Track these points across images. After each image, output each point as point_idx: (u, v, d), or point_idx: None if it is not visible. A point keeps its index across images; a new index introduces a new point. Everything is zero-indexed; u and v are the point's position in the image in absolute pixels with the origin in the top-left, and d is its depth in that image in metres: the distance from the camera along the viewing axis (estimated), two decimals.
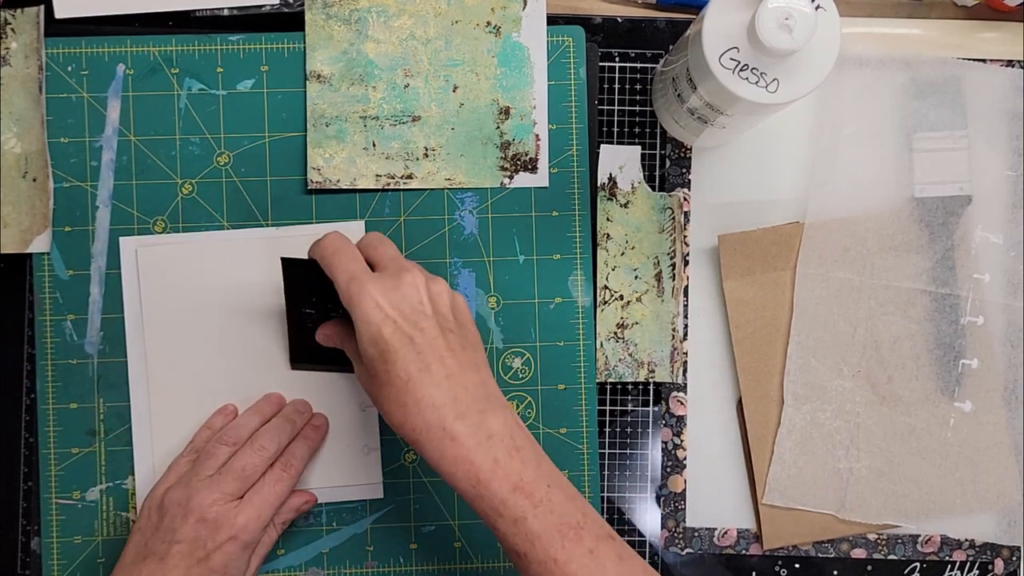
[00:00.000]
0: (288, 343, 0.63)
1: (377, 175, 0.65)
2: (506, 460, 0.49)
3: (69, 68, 0.64)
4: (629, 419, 0.66)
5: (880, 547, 0.66)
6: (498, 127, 0.65)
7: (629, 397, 0.66)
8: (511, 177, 0.65)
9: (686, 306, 0.67)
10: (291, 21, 0.65)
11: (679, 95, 0.60)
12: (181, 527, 0.55)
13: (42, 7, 0.64)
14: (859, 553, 0.66)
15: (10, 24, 0.63)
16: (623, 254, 0.66)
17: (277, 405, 0.63)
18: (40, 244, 0.63)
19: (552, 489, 0.50)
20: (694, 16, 0.67)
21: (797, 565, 0.66)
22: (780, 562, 0.66)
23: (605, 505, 0.66)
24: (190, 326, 0.63)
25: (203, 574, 0.55)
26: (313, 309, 0.60)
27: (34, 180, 0.63)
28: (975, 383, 0.66)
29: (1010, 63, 0.68)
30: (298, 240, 0.64)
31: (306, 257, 0.57)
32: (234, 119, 0.65)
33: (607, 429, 0.66)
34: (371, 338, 0.50)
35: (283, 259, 0.58)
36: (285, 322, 0.63)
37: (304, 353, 0.63)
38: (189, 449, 0.62)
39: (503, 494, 0.49)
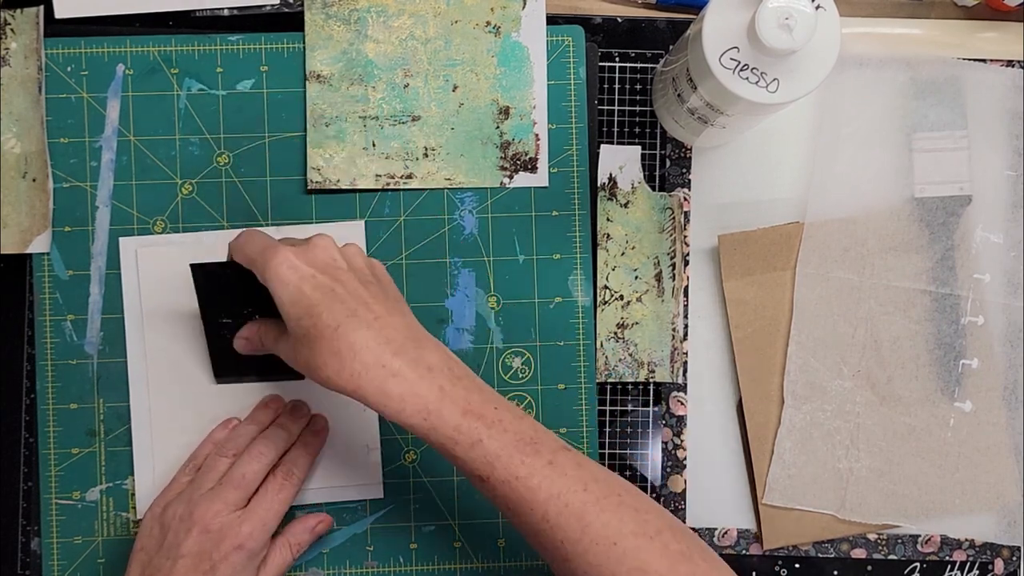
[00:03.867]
0: (209, 359, 0.62)
1: (377, 175, 0.65)
2: (451, 388, 0.50)
3: (69, 68, 0.64)
4: (629, 419, 0.66)
5: (880, 547, 0.66)
6: (498, 127, 0.65)
7: (629, 397, 0.66)
8: (511, 177, 0.65)
9: (686, 306, 0.67)
10: (291, 21, 0.65)
11: (679, 95, 0.60)
12: (185, 541, 0.55)
13: (42, 7, 0.63)
14: (859, 553, 0.66)
15: (10, 24, 0.63)
16: (623, 254, 0.66)
17: (274, 411, 0.63)
18: (40, 244, 0.63)
19: (500, 410, 0.51)
20: (694, 16, 0.67)
21: (797, 565, 0.66)
22: (780, 562, 0.66)
23: None
24: (190, 326, 0.63)
25: None
26: (229, 317, 0.59)
27: (34, 180, 0.63)
28: (975, 383, 0.66)
29: (1010, 63, 0.68)
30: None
31: (215, 261, 0.57)
32: (234, 119, 0.64)
33: (607, 429, 0.66)
34: (292, 299, 0.50)
35: (192, 265, 0.58)
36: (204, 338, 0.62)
37: (227, 366, 0.62)
38: (191, 466, 0.61)
39: (455, 420, 0.49)
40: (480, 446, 0.49)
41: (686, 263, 0.67)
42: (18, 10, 0.63)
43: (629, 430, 0.66)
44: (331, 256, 0.52)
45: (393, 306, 0.52)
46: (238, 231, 0.64)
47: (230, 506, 0.56)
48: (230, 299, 0.58)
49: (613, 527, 0.49)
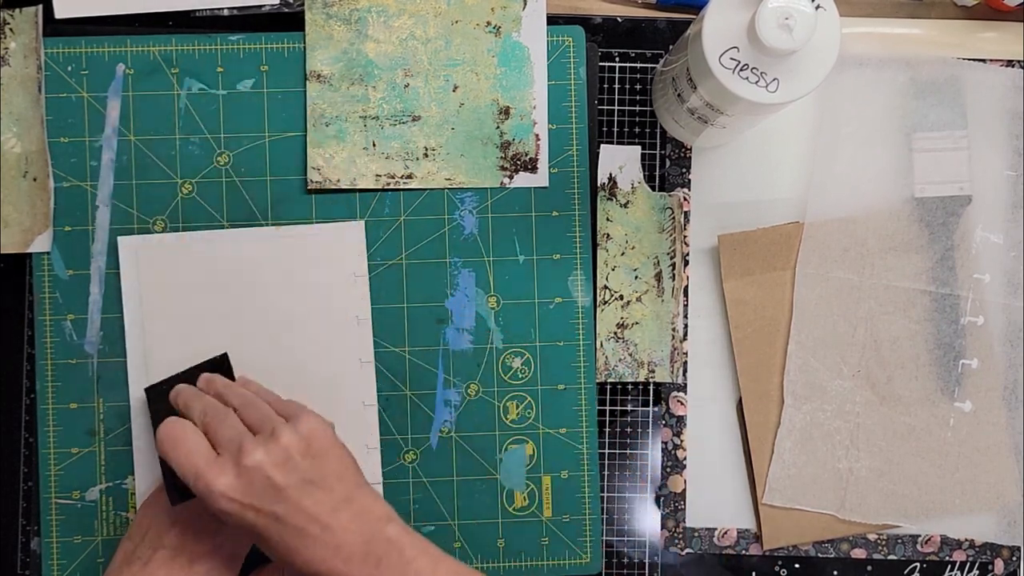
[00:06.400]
0: (164, 483, 0.56)
1: (377, 175, 0.65)
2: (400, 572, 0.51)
3: (69, 68, 0.64)
4: (629, 419, 0.66)
5: (880, 547, 0.66)
6: (498, 127, 0.65)
7: (629, 397, 0.66)
8: (511, 177, 0.65)
9: (686, 306, 0.67)
10: (291, 21, 0.65)
11: (679, 95, 0.60)
12: (167, 534, 0.56)
13: (40, 7, 0.63)
14: (859, 553, 0.66)
15: (9, 24, 0.63)
16: (623, 254, 0.66)
17: None
18: (40, 244, 0.63)
19: None
20: (694, 16, 0.67)
21: (797, 565, 0.66)
22: (780, 562, 0.66)
23: (605, 505, 0.66)
24: (190, 326, 0.63)
25: None
26: None
27: (34, 180, 0.63)
28: (975, 383, 0.66)
29: (1010, 63, 0.68)
30: (298, 240, 0.64)
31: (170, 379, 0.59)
32: (234, 119, 0.64)
33: (607, 429, 0.66)
34: (238, 524, 0.51)
35: (146, 389, 0.60)
36: (159, 465, 0.57)
37: (183, 488, 0.54)
38: None
39: None
40: None
41: (686, 263, 0.67)
42: (17, 9, 0.63)
43: (629, 430, 0.66)
44: (265, 475, 0.50)
45: (340, 495, 0.52)
46: (238, 230, 0.64)
47: None
48: None
49: None
